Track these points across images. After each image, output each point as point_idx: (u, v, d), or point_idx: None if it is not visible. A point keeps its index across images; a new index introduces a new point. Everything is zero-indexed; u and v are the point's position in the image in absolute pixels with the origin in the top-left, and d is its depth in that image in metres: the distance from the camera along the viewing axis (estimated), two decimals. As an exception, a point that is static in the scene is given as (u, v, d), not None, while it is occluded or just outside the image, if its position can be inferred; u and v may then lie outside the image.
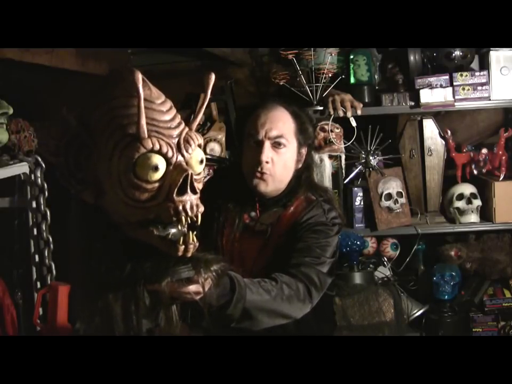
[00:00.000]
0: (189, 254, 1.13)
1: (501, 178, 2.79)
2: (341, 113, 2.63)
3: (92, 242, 1.19)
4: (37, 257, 2.46)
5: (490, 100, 2.71)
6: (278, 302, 1.54)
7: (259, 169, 1.73)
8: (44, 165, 2.42)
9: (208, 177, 2.62)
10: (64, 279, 1.89)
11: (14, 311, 2.17)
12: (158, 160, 1.08)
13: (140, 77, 1.07)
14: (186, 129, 1.16)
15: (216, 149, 2.69)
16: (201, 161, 1.16)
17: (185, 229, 1.11)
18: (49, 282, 2.40)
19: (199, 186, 1.15)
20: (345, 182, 2.76)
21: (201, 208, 1.12)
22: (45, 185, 2.43)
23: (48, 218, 2.45)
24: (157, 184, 1.09)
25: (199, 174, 1.17)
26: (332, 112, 2.62)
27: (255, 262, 1.75)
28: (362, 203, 2.81)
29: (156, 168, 1.08)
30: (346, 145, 2.67)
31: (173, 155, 1.10)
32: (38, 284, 2.43)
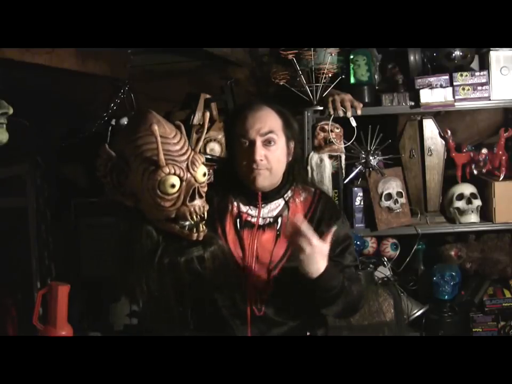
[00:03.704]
0: (200, 238, 1.59)
1: (501, 178, 2.79)
2: (341, 113, 2.62)
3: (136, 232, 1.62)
4: (37, 257, 2.46)
5: (490, 100, 2.70)
6: (350, 295, 1.80)
7: (254, 166, 1.80)
8: (43, 165, 2.43)
9: (209, 177, 2.65)
10: (64, 279, 1.90)
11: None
12: (174, 180, 1.54)
13: (156, 128, 1.49)
14: (192, 153, 1.60)
15: (216, 149, 2.68)
16: (204, 174, 1.61)
17: (197, 221, 1.57)
18: (49, 282, 2.40)
19: (204, 190, 1.61)
20: (345, 182, 2.75)
21: (207, 207, 1.59)
22: (45, 185, 2.44)
23: (48, 218, 2.45)
24: (175, 195, 1.55)
25: (203, 182, 1.61)
26: (332, 112, 2.62)
27: (272, 254, 1.82)
28: (362, 203, 2.80)
29: (173, 186, 1.54)
30: (346, 145, 2.67)
31: (183, 175, 1.56)
32: (38, 284, 2.43)
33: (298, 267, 1.68)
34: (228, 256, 1.73)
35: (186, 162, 1.57)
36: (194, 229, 1.58)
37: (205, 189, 1.62)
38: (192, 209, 1.55)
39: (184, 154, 1.58)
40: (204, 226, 1.59)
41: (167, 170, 1.52)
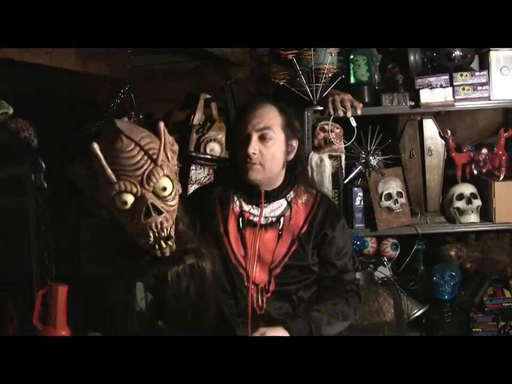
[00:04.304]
0: (166, 255, 1.54)
1: (501, 178, 2.78)
2: (341, 113, 2.62)
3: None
4: (37, 257, 2.45)
5: (490, 100, 2.70)
6: (341, 321, 1.86)
7: (248, 160, 1.82)
8: (44, 165, 2.42)
9: (208, 176, 2.65)
10: (64, 279, 1.90)
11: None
12: (126, 197, 1.49)
13: (95, 146, 1.44)
14: (151, 166, 1.49)
15: (216, 149, 2.68)
16: (165, 189, 1.51)
17: (157, 238, 1.51)
18: (48, 282, 2.40)
19: (169, 204, 1.53)
20: (345, 182, 2.75)
21: (167, 223, 1.51)
22: (45, 185, 2.43)
23: (48, 218, 2.44)
24: (130, 212, 1.50)
25: (169, 194, 1.52)
26: (332, 112, 2.62)
27: (274, 253, 1.85)
28: (362, 203, 2.80)
29: (125, 203, 1.49)
30: (346, 145, 2.67)
31: (137, 191, 1.48)
32: (38, 284, 2.43)
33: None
34: (209, 278, 1.65)
35: (141, 177, 1.49)
36: (156, 246, 1.52)
37: (171, 203, 1.54)
38: (147, 226, 1.49)
39: (139, 168, 1.49)
40: (170, 243, 1.53)
41: (117, 187, 1.47)
